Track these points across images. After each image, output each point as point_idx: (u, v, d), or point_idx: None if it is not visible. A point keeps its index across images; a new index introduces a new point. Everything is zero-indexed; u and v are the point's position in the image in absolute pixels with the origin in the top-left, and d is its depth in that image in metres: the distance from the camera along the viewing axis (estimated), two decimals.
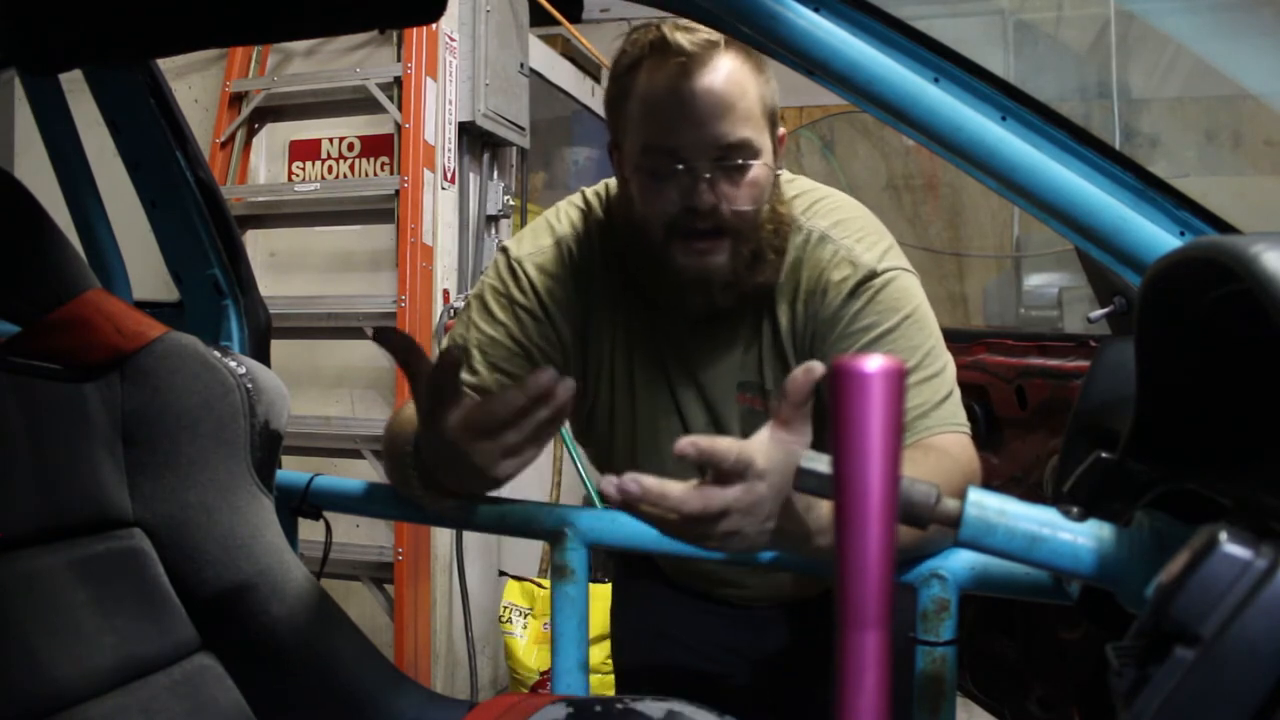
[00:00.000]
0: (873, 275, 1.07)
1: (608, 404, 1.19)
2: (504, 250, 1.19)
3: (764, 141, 1.05)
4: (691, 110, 1.01)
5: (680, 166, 1.02)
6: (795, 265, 1.11)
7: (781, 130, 1.12)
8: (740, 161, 1.03)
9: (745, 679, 1.34)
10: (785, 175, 1.18)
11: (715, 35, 1.02)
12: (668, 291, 1.10)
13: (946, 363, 1.08)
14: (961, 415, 1.06)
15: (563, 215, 1.20)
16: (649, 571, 1.38)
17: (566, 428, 1.32)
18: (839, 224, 1.12)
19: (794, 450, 0.76)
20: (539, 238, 1.18)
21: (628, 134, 1.07)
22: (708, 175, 1.02)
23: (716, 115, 1.01)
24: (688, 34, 1.01)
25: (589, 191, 1.22)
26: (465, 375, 1.14)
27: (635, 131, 1.06)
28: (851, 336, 1.07)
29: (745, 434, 1.15)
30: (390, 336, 0.90)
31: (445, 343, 1.20)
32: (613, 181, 1.21)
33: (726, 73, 1.01)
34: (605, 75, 4.12)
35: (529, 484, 3.19)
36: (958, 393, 1.08)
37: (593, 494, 2.99)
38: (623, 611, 1.48)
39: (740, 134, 1.02)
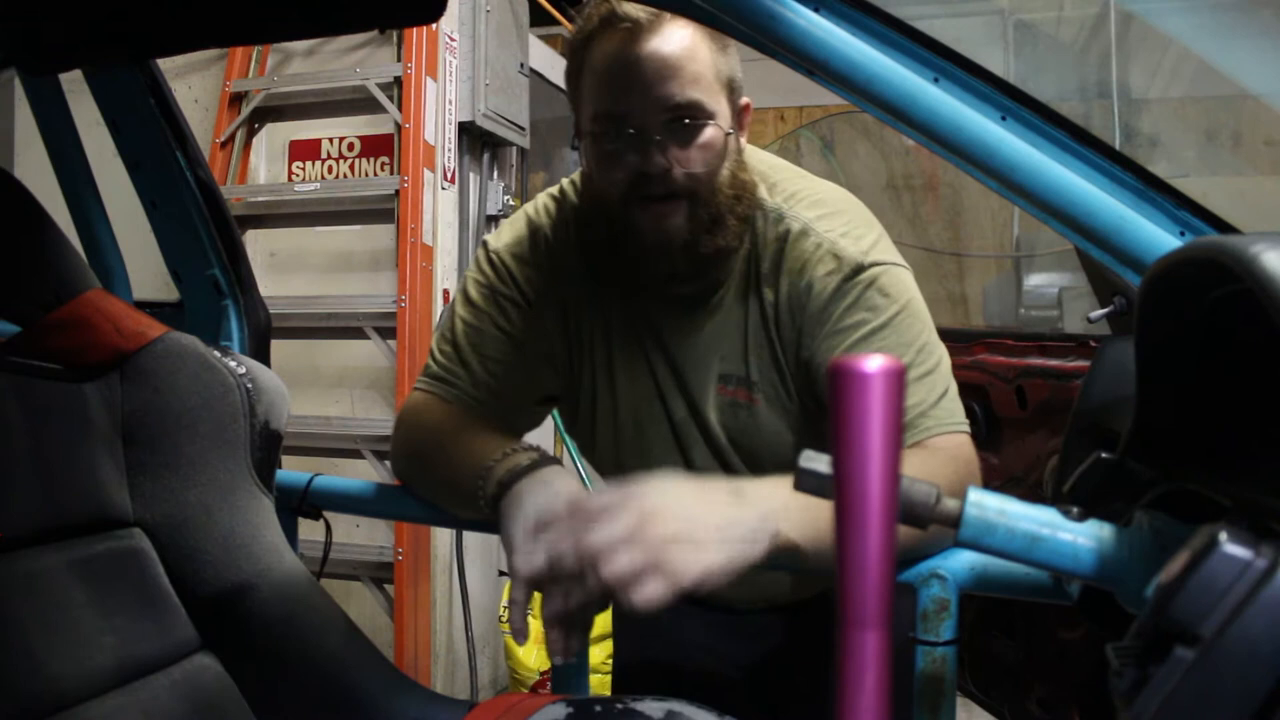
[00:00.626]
0: (859, 270, 1.06)
1: (591, 390, 1.19)
2: (484, 244, 1.20)
3: (717, 105, 1.04)
4: (638, 74, 1.00)
5: (631, 131, 1.02)
6: (777, 256, 1.10)
7: (745, 100, 1.10)
8: (689, 122, 1.02)
9: (744, 681, 1.34)
10: (768, 160, 1.17)
11: None
12: (629, 260, 1.09)
13: (941, 357, 1.07)
14: (960, 413, 1.05)
15: (539, 206, 1.21)
16: None
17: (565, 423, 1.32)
18: (822, 217, 1.10)
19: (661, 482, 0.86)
20: (516, 229, 1.20)
21: (581, 105, 1.07)
22: (658, 138, 1.02)
23: (664, 77, 1.00)
24: (638, 4, 1.01)
25: (565, 181, 1.22)
26: (455, 367, 1.15)
27: (588, 102, 1.06)
28: (840, 334, 1.05)
29: (725, 425, 1.16)
30: None
31: (434, 339, 1.20)
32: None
33: (675, 37, 1.01)
34: None
35: None
36: (954, 388, 1.06)
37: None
38: (622, 611, 1.47)
39: (689, 95, 1.01)
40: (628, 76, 1.01)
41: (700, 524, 0.83)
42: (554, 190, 1.22)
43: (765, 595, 1.30)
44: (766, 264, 1.11)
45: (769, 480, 0.90)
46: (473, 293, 1.17)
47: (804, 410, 1.13)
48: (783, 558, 0.88)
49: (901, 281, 1.07)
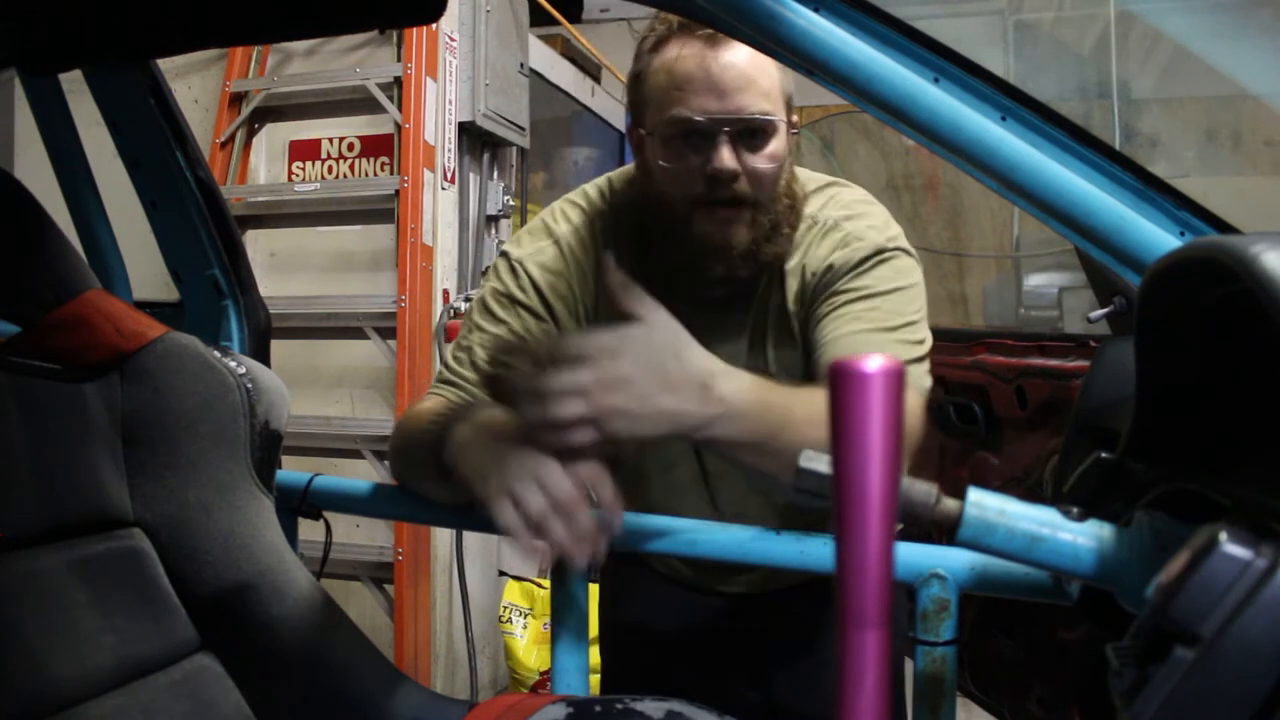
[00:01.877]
0: (879, 250, 1.11)
1: None
2: (504, 253, 1.20)
3: (783, 118, 1.08)
4: (717, 81, 1.04)
5: (705, 135, 1.05)
6: (807, 251, 1.14)
7: (795, 117, 1.14)
8: (762, 131, 1.06)
9: (739, 665, 1.34)
10: (798, 169, 1.19)
11: None
12: (687, 262, 1.12)
13: (926, 339, 1.11)
14: (926, 381, 1.09)
15: (559, 214, 1.21)
16: (638, 563, 1.37)
17: None
18: (851, 217, 1.15)
19: (657, 327, 0.89)
20: (537, 238, 1.20)
21: (650, 107, 1.10)
22: (731, 144, 1.05)
23: (741, 88, 1.04)
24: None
25: (589, 187, 1.23)
26: (464, 370, 1.15)
27: (659, 103, 1.08)
28: (840, 294, 1.10)
29: None
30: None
31: (450, 352, 1.20)
32: (615, 175, 1.22)
33: (750, 52, 1.05)
34: (605, 75, 4.10)
35: None
36: (927, 365, 1.10)
37: (592, 494, 2.99)
38: (612, 609, 1.47)
39: (763, 105, 1.05)
40: (706, 81, 1.05)
41: (651, 382, 0.87)
42: (575, 197, 1.23)
43: (759, 578, 1.30)
44: (794, 259, 1.14)
45: (744, 372, 0.94)
46: (491, 301, 1.18)
47: None
48: (728, 434, 0.90)
49: (911, 268, 1.13)
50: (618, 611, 1.45)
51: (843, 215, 1.15)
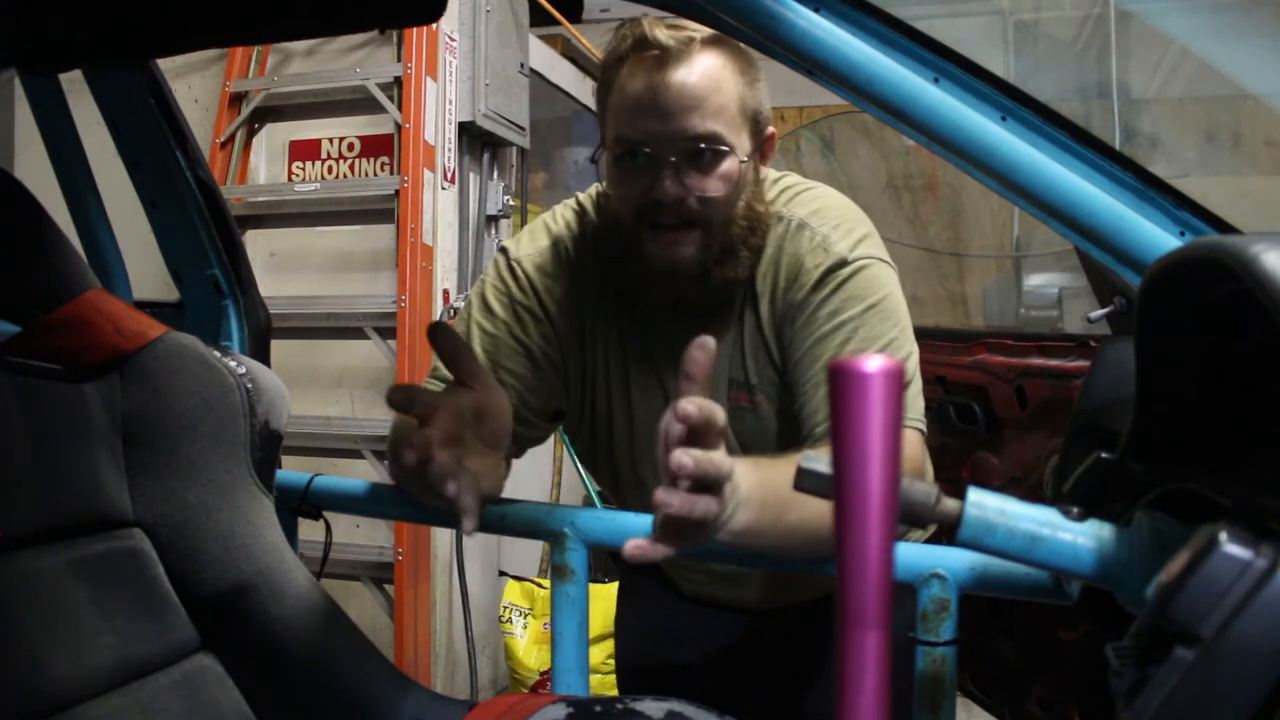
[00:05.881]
0: (842, 264, 1.08)
1: (606, 408, 1.19)
2: (503, 250, 1.20)
3: (737, 139, 1.06)
4: (661, 102, 1.02)
5: (648, 155, 1.04)
6: (776, 255, 1.12)
7: (771, 129, 1.12)
8: (707, 152, 1.04)
9: (746, 681, 1.34)
10: (773, 174, 1.18)
11: (703, 31, 1.03)
12: (637, 282, 1.11)
13: (909, 355, 1.09)
14: (916, 409, 1.07)
15: (559, 217, 1.22)
16: (653, 572, 1.38)
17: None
18: (817, 212, 1.13)
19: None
20: (537, 239, 1.20)
21: (606, 126, 1.09)
22: (674, 165, 1.03)
23: (685, 108, 1.02)
24: (669, 30, 1.03)
25: (583, 195, 1.23)
26: None
27: (611, 124, 1.08)
28: (815, 323, 1.08)
29: (736, 431, 1.16)
30: (439, 336, 0.95)
31: None
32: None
33: (701, 68, 1.03)
34: None
35: (529, 484, 3.19)
36: (918, 384, 1.08)
37: (593, 494, 2.99)
38: (627, 609, 1.48)
39: (708, 127, 1.03)
40: (651, 103, 1.03)
41: None
42: (572, 203, 1.23)
43: (766, 595, 1.30)
44: (765, 264, 1.12)
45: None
46: (491, 299, 1.17)
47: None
48: (741, 524, 0.87)
49: (880, 278, 1.10)
50: (633, 616, 1.45)
51: (809, 213, 1.12)
